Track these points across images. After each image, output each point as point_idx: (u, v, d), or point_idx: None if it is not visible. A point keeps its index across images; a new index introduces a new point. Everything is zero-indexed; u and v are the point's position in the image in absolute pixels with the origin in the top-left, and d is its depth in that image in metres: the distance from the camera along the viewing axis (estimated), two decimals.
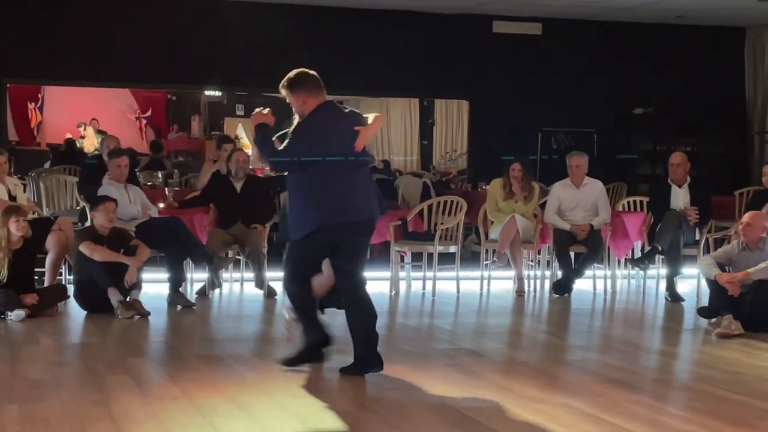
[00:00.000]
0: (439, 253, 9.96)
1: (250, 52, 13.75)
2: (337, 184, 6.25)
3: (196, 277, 9.86)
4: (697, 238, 10.15)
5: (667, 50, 15.05)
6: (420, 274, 10.35)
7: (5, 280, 8.26)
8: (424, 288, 10.21)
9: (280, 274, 10.25)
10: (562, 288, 10.08)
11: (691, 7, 13.60)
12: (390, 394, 5.91)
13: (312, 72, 6.34)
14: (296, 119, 6.38)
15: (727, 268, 8.37)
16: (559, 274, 10.24)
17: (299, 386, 6.08)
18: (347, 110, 6.52)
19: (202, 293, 9.64)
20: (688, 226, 9.98)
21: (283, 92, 6.36)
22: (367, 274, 10.58)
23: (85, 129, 20.02)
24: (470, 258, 11.36)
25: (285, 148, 6.24)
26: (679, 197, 10.22)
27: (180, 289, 9.15)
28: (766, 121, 15.22)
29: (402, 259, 10.48)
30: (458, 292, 10.03)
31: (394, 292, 10.12)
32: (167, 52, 13.62)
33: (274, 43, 13.76)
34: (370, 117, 6.45)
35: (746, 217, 8.51)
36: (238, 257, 10.02)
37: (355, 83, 14.41)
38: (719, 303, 8.16)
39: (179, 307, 8.96)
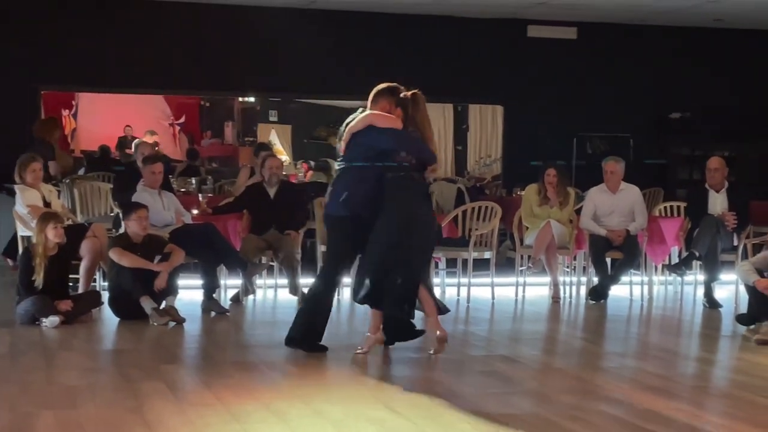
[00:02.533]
0: (473, 259, 9.90)
1: (282, 58, 13.75)
2: None
3: (230, 284, 9.85)
4: (735, 243, 10.02)
5: (704, 54, 14.89)
6: (455, 280, 10.30)
7: (41, 287, 8.29)
8: (458, 294, 10.15)
9: (313, 280, 10.31)
10: (598, 294, 10.00)
11: (730, 11, 13.45)
12: (424, 401, 5.86)
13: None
14: None
15: (765, 273, 8.26)
16: (595, 280, 10.15)
17: (334, 392, 6.05)
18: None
19: (236, 299, 9.63)
20: (725, 231, 9.87)
21: None
22: None
23: (151, 135, 19.88)
24: (505, 264, 11.29)
25: None
26: (717, 202, 10.11)
27: (214, 295, 9.15)
28: None
29: (436, 265, 10.43)
30: (493, 298, 9.96)
31: None
32: (201, 58, 13.64)
33: (307, 49, 13.75)
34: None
35: None
36: (271, 263, 10.01)
37: None
38: (758, 309, 8.06)
39: (213, 314, 8.96)
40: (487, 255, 10.04)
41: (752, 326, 8.15)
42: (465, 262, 9.96)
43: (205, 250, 9.10)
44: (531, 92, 14.58)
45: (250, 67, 13.82)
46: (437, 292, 10.28)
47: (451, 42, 14.34)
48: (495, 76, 14.62)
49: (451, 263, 10.43)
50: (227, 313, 9.01)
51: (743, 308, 8.59)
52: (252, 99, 20.95)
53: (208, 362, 7.12)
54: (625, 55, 14.80)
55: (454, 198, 13.63)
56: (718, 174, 10.18)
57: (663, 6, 13.24)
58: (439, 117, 22.24)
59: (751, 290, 8.15)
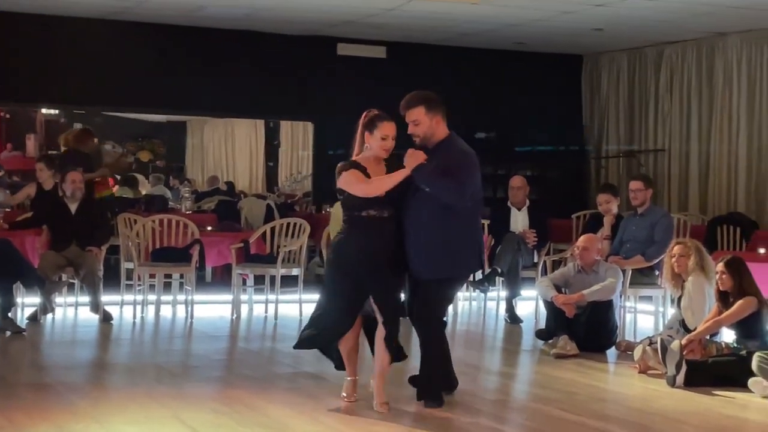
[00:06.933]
0: (282, 276, 9.86)
1: (88, 70, 13.36)
2: (478, 228, 6.32)
3: (27, 302, 9.49)
4: (536, 260, 10.33)
5: (507, 76, 15.31)
6: (263, 297, 10.22)
7: None
8: (266, 311, 10.08)
9: (116, 297, 10.03)
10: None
11: (531, 35, 13.91)
12: (228, 421, 5.78)
13: None
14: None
15: (563, 289, 8.54)
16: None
17: (134, 413, 5.89)
18: None
19: (34, 318, 9.28)
20: (526, 248, 10.14)
21: (415, 111, 6.25)
22: (207, 297, 10.53)
23: None
24: (314, 281, 11.29)
25: (460, 180, 6.04)
26: (519, 220, 10.40)
27: (9, 314, 8.79)
28: (602, 147, 15.67)
29: (244, 282, 10.33)
30: (301, 315, 9.90)
31: (235, 315, 9.95)
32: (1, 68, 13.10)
33: (115, 60, 13.41)
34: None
35: (582, 240, 8.71)
36: (72, 281, 9.69)
37: (199, 103, 14.15)
38: (556, 324, 8.30)
39: (8, 333, 8.59)
40: (295, 272, 10.02)
41: (550, 341, 8.39)
42: (273, 278, 9.90)
43: (0, 267, 8.72)
44: (341, 110, 14.63)
45: (53, 78, 13.36)
46: (245, 309, 10.24)
47: (262, 58, 14.27)
48: (306, 93, 14.63)
49: (259, 280, 10.35)
50: (23, 333, 8.66)
51: (543, 323, 8.84)
52: (55, 111, 20.28)
53: (1, 384, 6.80)
54: (433, 75, 15.03)
55: (264, 214, 13.60)
56: (520, 192, 10.48)
57: (468, 28, 13.57)
58: (251, 133, 22.16)
59: (550, 306, 8.40)
